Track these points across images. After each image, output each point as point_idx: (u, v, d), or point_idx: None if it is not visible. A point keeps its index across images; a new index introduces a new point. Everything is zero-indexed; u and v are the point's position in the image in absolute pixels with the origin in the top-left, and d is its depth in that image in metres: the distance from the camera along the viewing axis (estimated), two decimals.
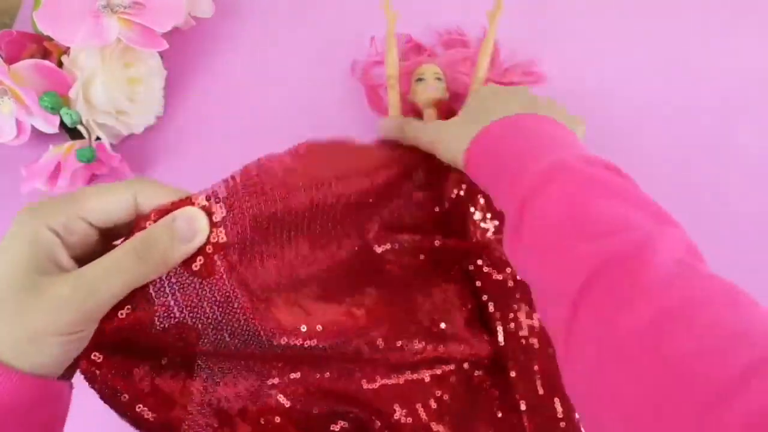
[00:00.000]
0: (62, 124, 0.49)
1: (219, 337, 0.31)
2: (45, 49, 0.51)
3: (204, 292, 0.29)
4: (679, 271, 0.24)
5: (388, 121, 0.45)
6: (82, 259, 0.27)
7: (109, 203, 0.28)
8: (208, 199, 0.29)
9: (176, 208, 0.28)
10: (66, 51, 0.50)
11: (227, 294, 0.30)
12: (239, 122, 0.55)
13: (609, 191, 0.29)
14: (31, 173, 0.49)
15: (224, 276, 0.30)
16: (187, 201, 0.29)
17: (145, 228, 0.28)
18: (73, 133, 0.50)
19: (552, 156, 0.32)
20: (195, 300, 0.29)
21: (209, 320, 0.30)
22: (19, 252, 0.25)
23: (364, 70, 0.56)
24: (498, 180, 0.35)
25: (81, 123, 0.48)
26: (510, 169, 0.33)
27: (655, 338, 0.22)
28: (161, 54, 0.53)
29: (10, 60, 0.48)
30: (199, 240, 0.28)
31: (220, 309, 0.30)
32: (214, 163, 0.53)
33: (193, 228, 0.28)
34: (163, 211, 0.28)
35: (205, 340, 0.31)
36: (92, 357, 0.28)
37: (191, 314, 0.30)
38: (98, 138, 0.50)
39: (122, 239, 0.28)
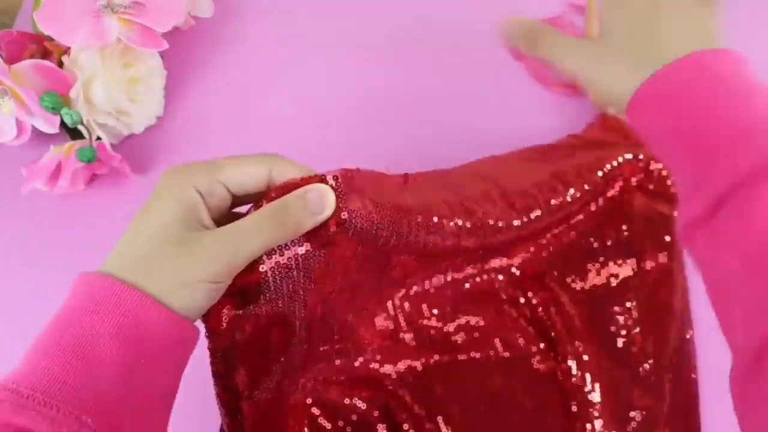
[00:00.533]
0: (63, 124, 0.49)
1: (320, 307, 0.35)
2: (45, 49, 0.51)
3: (318, 258, 0.33)
4: None
5: (518, 23, 0.37)
6: (216, 221, 0.30)
7: (248, 173, 0.30)
8: (335, 179, 0.32)
9: (306, 183, 0.31)
10: (66, 51, 0.50)
11: (335, 266, 0.34)
12: (239, 122, 0.55)
13: None
14: (31, 173, 0.49)
15: (340, 249, 0.33)
16: (317, 178, 0.31)
17: (273, 198, 0.30)
18: (73, 133, 0.50)
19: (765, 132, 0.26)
20: (311, 263, 0.33)
21: (316, 286, 0.34)
22: (170, 208, 0.28)
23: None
24: (682, 142, 0.29)
25: (81, 123, 0.48)
26: (704, 134, 0.28)
27: None
28: (161, 54, 0.53)
29: (11, 60, 0.48)
30: (327, 213, 0.31)
31: (328, 278, 0.34)
32: None
33: (323, 201, 0.31)
34: (292, 185, 0.31)
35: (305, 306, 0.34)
36: (223, 311, 0.31)
37: (305, 275, 0.33)
38: (99, 138, 0.50)
39: (249, 207, 0.31)
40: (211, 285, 0.28)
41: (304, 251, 0.32)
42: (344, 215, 0.32)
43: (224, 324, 0.32)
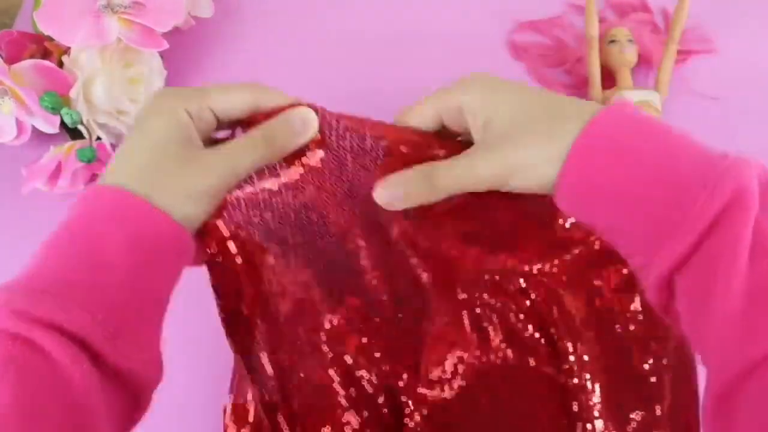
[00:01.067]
0: (63, 124, 0.49)
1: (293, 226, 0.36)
2: (45, 49, 0.51)
3: (298, 187, 0.34)
4: None
5: (403, 178, 0.32)
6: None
7: (235, 100, 0.32)
8: (318, 109, 0.34)
9: (290, 108, 0.33)
10: (66, 51, 0.50)
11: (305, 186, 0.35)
12: None
13: None
14: (31, 173, 0.49)
15: (311, 172, 0.34)
16: (300, 104, 0.33)
17: (260, 122, 0.32)
18: (73, 133, 0.50)
19: (707, 185, 0.25)
20: (295, 180, 0.34)
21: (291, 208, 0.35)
22: (166, 125, 0.30)
23: (523, 49, 0.57)
24: (629, 218, 0.27)
25: (81, 123, 0.48)
26: (649, 205, 0.26)
27: None
28: (161, 54, 0.53)
29: (11, 60, 0.48)
30: (310, 134, 0.33)
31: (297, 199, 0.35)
32: None
33: (306, 123, 0.33)
34: (278, 110, 0.33)
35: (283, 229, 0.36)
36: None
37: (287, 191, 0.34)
38: (99, 138, 0.50)
39: (229, 130, 0.34)
40: (210, 199, 0.31)
41: (285, 180, 0.34)
42: (319, 137, 0.33)
43: (216, 245, 0.33)
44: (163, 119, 0.30)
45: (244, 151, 0.31)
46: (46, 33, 0.48)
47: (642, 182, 0.26)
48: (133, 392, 0.28)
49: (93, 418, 0.26)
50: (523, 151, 0.29)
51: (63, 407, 0.25)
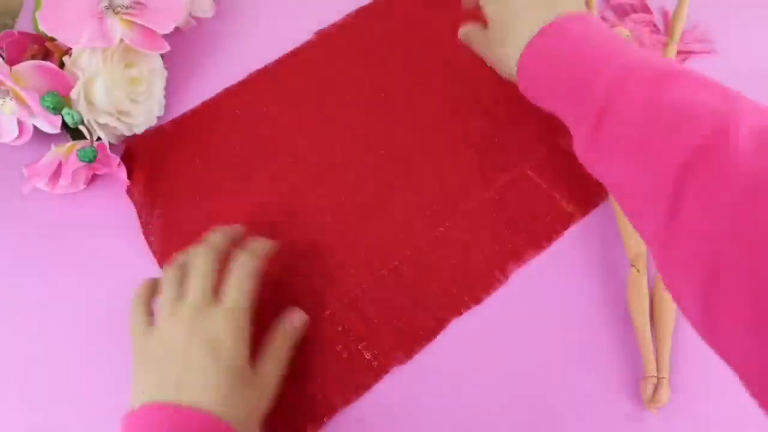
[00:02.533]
0: (64, 125, 0.49)
1: None
2: (46, 49, 0.51)
3: None
4: (758, 146, 0.27)
5: (471, 30, 0.48)
6: None
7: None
8: None
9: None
10: (67, 51, 0.50)
11: None
12: None
13: (679, 82, 0.33)
14: (32, 173, 0.49)
15: None
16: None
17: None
18: (74, 133, 0.50)
19: (618, 60, 0.35)
20: None
21: None
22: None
23: None
24: (561, 90, 0.38)
25: (82, 123, 0.48)
26: (574, 77, 0.37)
27: (753, 210, 0.26)
28: (162, 54, 0.54)
29: (12, 61, 0.48)
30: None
31: None
32: None
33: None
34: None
35: None
36: None
37: None
38: (99, 138, 0.50)
39: None
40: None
41: None
42: None
43: None
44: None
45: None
46: (49, 34, 0.48)
47: (566, 72, 0.38)
48: None
49: None
50: (500, 43, 0.43)
51: None
